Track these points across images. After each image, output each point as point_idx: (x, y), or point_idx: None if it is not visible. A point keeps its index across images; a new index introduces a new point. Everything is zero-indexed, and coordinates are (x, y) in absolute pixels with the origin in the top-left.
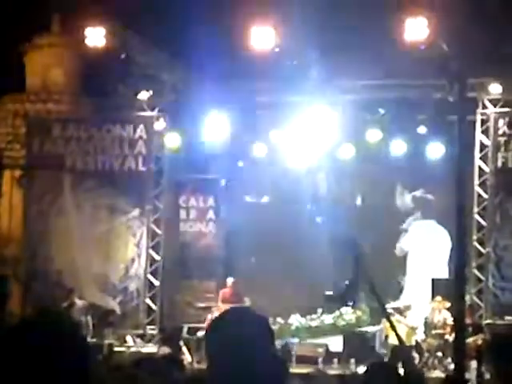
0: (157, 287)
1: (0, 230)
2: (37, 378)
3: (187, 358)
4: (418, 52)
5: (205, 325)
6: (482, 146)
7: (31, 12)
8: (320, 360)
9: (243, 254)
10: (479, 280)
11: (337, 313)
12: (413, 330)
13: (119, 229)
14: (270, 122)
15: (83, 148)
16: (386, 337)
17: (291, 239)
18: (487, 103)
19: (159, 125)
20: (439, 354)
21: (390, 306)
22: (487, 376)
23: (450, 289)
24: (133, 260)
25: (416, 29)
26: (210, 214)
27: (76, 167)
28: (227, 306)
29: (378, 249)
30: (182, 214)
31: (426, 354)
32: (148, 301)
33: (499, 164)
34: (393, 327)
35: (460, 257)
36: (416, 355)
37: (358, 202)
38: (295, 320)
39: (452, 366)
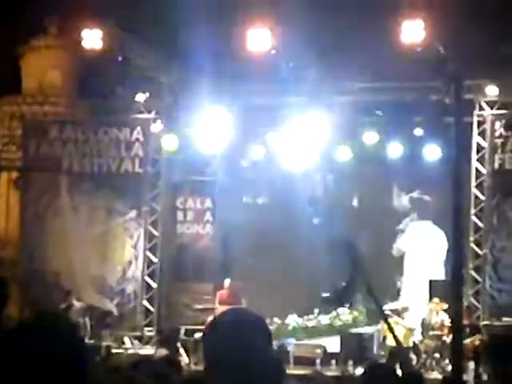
0: (154, 289)
1: None
2: (35, 380)
3: (185, 359)
4: (414, 54)
5: (203, 327)
6: (479, 148)
7: (28, 14)
8: (318, 361)
9: (240, 255)
10: (476, 281)
11: (333, 313)
12: (410, 331)
13: (116, 231)
14: (267, 124)
15: (80, 150)
16: (384, 338)
17: (288, 241)
18: (484, 105)
19: (156, 127)
20: (437, 355)
21: (387, 308)
22: (485, 377)
23: (447, 290)
24: (130, 262)
25: (413, 31)
26: (208, 216)
27: (73, 169)
28: (225, 308)
29: (375, 250)
30: (180, 215)
31: (424, 356)
32: (145, 303)
33: (496, 166)
34: (390, 329)
35: (457, 258)
36: (413, 356)
37: (355, 203)
38: (292, 320)
39: (449, 368)
